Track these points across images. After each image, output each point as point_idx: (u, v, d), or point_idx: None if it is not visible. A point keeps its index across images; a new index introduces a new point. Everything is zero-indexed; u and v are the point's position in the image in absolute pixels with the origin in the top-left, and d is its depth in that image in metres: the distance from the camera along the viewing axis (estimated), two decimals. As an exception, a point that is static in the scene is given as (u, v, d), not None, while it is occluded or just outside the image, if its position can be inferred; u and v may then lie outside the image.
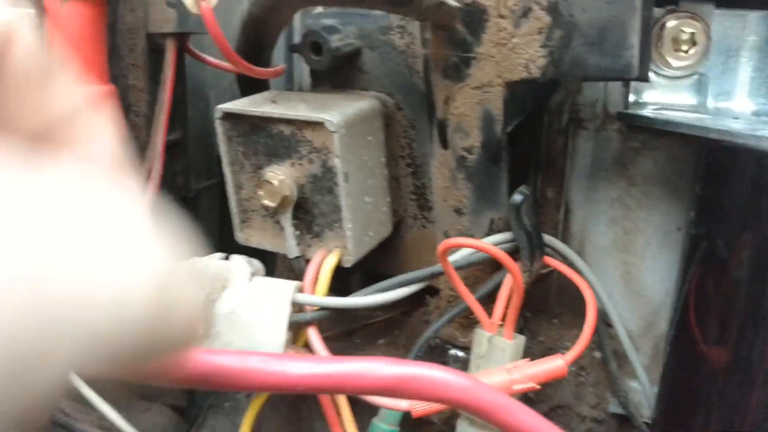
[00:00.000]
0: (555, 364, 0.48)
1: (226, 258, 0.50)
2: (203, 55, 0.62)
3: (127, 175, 0.21)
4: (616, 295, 0.59)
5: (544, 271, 0.58)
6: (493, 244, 0.50)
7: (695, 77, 0.55)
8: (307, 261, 0.52)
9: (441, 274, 0.49)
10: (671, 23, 0.54)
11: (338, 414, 0.50)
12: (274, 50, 0.57)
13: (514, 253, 0.50)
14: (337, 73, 0.56)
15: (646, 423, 0.57)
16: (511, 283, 0.50)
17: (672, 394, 0.53)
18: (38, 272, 0.14)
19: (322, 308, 0.49)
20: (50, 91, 0.19)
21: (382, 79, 0.56)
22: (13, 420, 0.14)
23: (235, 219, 0.55)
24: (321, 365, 0.34)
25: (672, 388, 0.53)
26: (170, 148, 0.60)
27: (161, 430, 0.70)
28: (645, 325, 0.59)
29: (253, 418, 0.52)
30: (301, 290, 0.50)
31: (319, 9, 0.60)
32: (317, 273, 0.50)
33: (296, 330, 0.50)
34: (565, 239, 0.60)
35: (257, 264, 0.51)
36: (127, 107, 0.56)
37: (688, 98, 0.56)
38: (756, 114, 0.54)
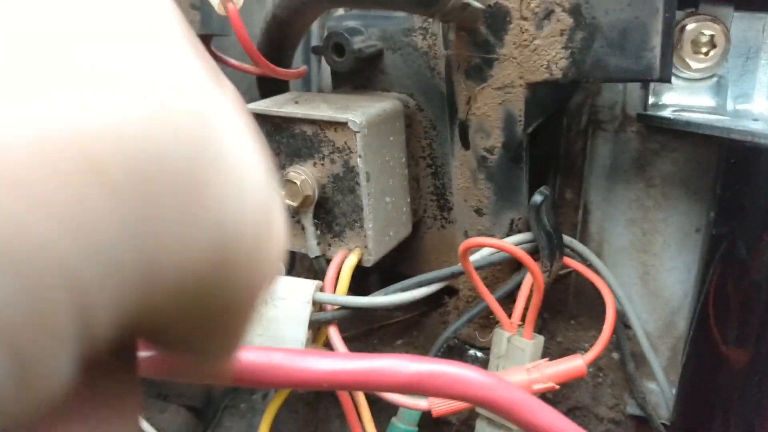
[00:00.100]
0: (574, 364, 0.48)
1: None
2: (225, 57, 0.63)
3: None
4: (635, 296, 0.60)
5: (562, 272, 0.58)
6: (513, 244, 0.50)
7: (714, 79, 0.55)
8: (328, 260, 0.52)
9: (461, 274, 0.50)
10: (691, 26, 0.54)
11: (358, 414, 0.50)
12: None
13: (533, 254, 0.51)
14: (358, 74, 0.57)
15: (664, 424, 0.57)
16: (531, 284, 0.50)
17: (691, 396, 0.53)
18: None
19: (343, 307, 0.49)
20: None
21: (403, 80, 0.56)
22: None
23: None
24: (345, 361, 0.34)
25: (691, 390, 0.53)
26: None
27: (177, 430, 0.71)
28: (663, 327, 0.59)
29: (272, 418, 0.53)
30: (321, 289, 0.50)
31: (341, 11, 0.60)
32: (338, 272, 0.51)
33: (316, 329, 0.51)
34: (583, 240, 0.60)
35: (278, 263, 0.51)
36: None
37: (708, 100, 0.56)
38: (776, 116, 0.54)
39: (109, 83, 0.11)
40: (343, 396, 0.50)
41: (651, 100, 0.57)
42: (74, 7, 0.12)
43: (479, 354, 0.55)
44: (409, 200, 0.56)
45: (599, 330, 0.54)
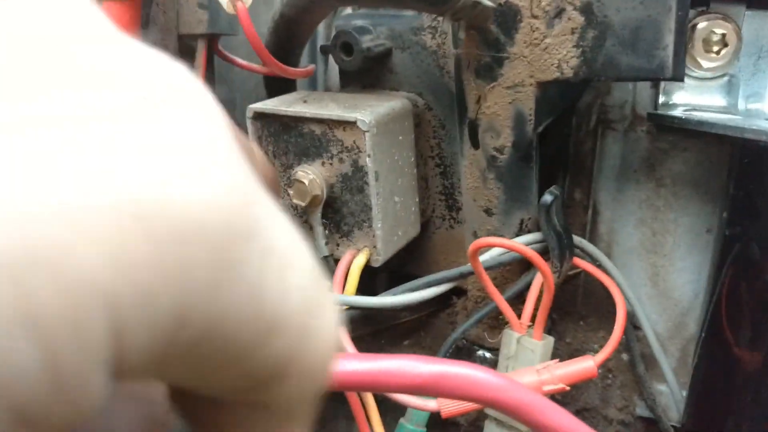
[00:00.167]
0: (585, 365, 0.47)
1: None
2: (232, 56, 0.62)
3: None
4: (644, 296, 0.59)
5: (571, 272, 0.58)
6: (523, 244, 0.50)
7: (726, 78, 0.55)
8: (336, 260, 0.52)
9: (470, 274, 0.49)
10: (702, 24, 0.54)
11: (366, 414, 0.50)
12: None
13: (543, 254, 0.50)
14: (367, 73, 0.57)
15: (674, 427, 0.57)
16: (541, 284, 0.50)
17: (702, 398, 0.53)
18: None
19: (351, 307, 0.49)
20: None
21: (412, 80, 0.56)
22: None
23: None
24: (357, 362, 0.34)
25: (702, 392, 0.52)
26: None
27: (182, 429, 0.70)
28: (673, 328, 0.59)
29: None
30: (329, 290, 0.50)
31: (348, 10, 0.60)
32: (346, 272, 0.51)
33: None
34: (592, 240, 0.60)
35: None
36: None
37: (719, 99, 0.55)
38: (788, 116, 0.53)
39: (166, 153, 0.12)
40: (352, 396, 0.49)
41: (661, 99, 0.57)
42: (117, 85, 0.13)
43: (488, 355, 0.55)
44: (417, 200, 0.56)
45: (608, 331, 0.54)
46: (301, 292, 0.14)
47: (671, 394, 0.57)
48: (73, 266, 0.10)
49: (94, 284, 0.11)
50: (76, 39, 0.13)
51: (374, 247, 0.51)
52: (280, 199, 0.54)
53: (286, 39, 0.54)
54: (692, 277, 0.57)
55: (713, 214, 0.56)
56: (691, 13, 0.53)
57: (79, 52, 0.13)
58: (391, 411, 0.52)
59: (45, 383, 0.10)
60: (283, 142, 0.52)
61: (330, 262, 0.53)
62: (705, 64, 0.55)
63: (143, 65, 0.14)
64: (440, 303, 0.59)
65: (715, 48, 0.54)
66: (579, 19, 0.46)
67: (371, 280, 0.60)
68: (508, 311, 0.49)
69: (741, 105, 0.55)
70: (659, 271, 0.59)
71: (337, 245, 0.53)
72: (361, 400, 0.49)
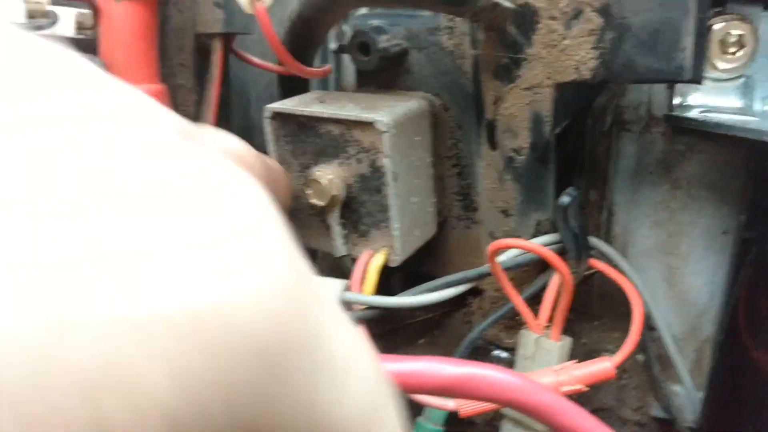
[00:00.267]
0: (603, 367, 0.48)
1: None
2: (247, 55, 0.63)
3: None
4: (660, 298, 0.59)
5: (587, 272, 0.58)
6: (541, 245, 0.50)
7: (742, 80, 0.55)
8: (353, 260, 0.52)
9: (489, 275, 0.49)
10: (718, 25, 0.54)
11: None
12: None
13: (560, 255, 0.50)
14: (383, 73, 0.57)
15: (690, 428, 0.57)
16: (559, 285, 0.50)
17: (720, 400, 0.53)
18: None
19: (371, 307, 0.49)
20: None
21: (428, 80, 0.56)
22: None
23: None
24: (384, 364, 0.34)
25: (720, 394, 0.53)
26: (215, 147, 0.61)
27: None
28: (688, 329, 0.59)
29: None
30: (348, 289, 0.50)
31: (364, 9, 0.60)
32: (364, 272, 0.51)
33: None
34: (607, 241, 0.60)
35: (306, 262, 0.51)
36: (175, 107, 0.57)
37: (735, 101, 0.55)
38: (804, 118, 0.53)
39: (213, 246, 0.12)
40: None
41: (677, 100, 0.57)
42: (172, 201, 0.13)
43: (504, 354, 0.55)
44: (434, 200, 0.56)
45: (623, 331, 0.54)
46: (361, 401, 0.14)
47: (687, 395, 0.57)
48: (140, 384, 0.11)
49: (158, 401, 0.11)
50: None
51: (392, 247, 0.51)
52: (296, 203, 0.54)
53: (303, 39, 0.54)
54: (708, 278, 0.57)
55: (729, 216, 0.56)
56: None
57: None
58: (406, 409, 0.52)
59: None
60: (300, 142, 0.53)
61: (347, 262, 0.53)
62: (721, 65, 0.55)
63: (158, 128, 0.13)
64: (455, 302, 0.59)
65: (732, 49, 0.54)
66: (597, 20, 0.46)
67: (386, 279, 0.61)
68: (526, 312, 0.49)
69: (757, 106, 0.55)
70: (674, 272, 0.59)
71: (354, 245, 0.53)
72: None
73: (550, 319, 0.50)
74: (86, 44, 0.52)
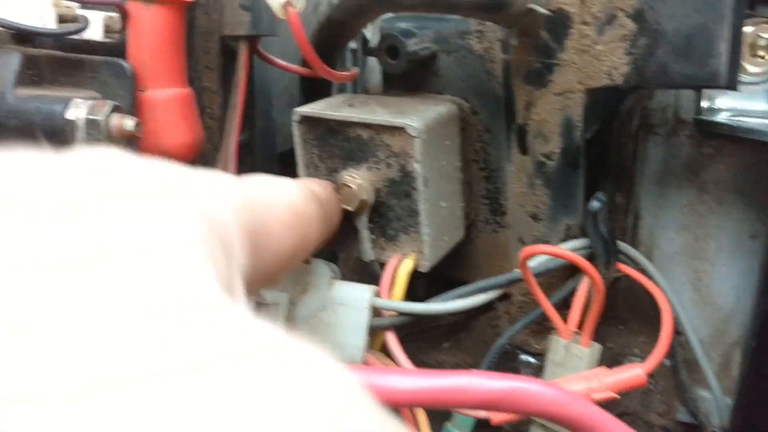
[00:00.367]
0: (634, 373, 0.47)
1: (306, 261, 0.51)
2: (271, 57, 0.62)
3: None
4: (686, 302, 0.59)
5: (614, 275, 0.58)
6: (570, 250, 0.50)
7: (770, 83, 0.55)
8: (381, 265, 0.52)
9: (520, 280, 0.49)
10: (748, 29, 0.54)
11: (416, 424, 0.50)
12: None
13: (588, 260, 0.50)
14: (411, 76, 0.56)
15: (717, 432, 0.57)
16: (589, 290, 0.50)
17: (750, 407, 0.52)
18: None
19: (401, 313, 0.49)
20: None
21: (457, 83, 0.56)
22: None
23: (308, 221, 0.56)
24: (425, 379, 0.34)
25: (750, 400, 0.52)
26: (239, 150, 0.60)
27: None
28: (715, 333, 0.59)
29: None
30: (377, 295, 0.50)
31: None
32: (393, 277, 0.51)
33: (371, 334, 0.50)
34: (633, 245, 0.60)
35: (335, 268, 0.51)
36: (201, 109, 0.57)
37: (763, 105, 0.55)
38: (833, 122, 0.53)
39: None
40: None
41: (704, 104, 0.56)
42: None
43: (532, 360, 0.55)
44: (462, 204, 0.56)
45: (649, 335, 0.53)
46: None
47: (714, 400, 0.57)
48: None
49: None
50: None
51: (421, 252, 0.51)
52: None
53: (331, 42, 0.54)
54: (735, 282, 0.57)
55: (757, 220, 0.56)
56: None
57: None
58: (435, 415, 0.52)
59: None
60: (328, 146, 0.52)
61: (375, 266, 0.53)
62: (750, 68, 0.55)
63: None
64: (481, 306, 0.59)
65: (761, 53, 0.54)
66: (631, 25, 0.46)
67: (412, 284, 0.60)
68: (556, 318, 0.49)
69: (785, 111, 0.55)
70: (701, 276, 0.59)
71: (383, 249, 0.53)
72: (411, 410, 0.49)
73: (579, 325, 0.50)
74: (114, 48, 0.52)
